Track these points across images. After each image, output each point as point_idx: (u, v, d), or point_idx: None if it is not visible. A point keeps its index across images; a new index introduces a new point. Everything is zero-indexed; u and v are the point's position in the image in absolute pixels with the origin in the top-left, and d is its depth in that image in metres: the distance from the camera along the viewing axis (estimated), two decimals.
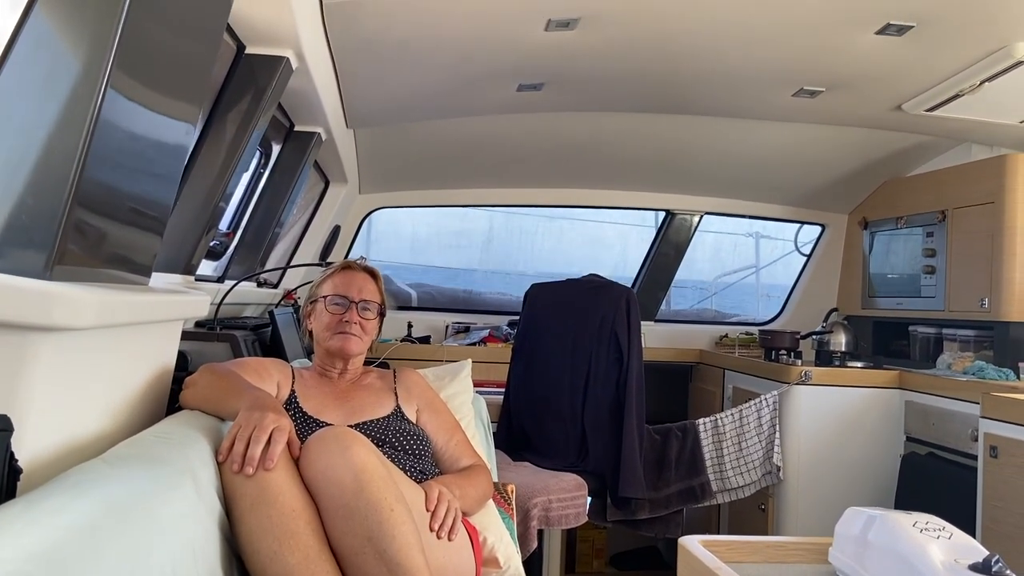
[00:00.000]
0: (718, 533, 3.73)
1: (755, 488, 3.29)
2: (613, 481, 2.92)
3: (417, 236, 4.78)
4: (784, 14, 2.32)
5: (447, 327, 4.12)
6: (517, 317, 3.45)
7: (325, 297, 1.86)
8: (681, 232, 4.26)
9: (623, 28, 2.41)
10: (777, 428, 3.27)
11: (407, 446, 1.76)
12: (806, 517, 3.22)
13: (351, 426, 1.72)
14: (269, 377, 1.75)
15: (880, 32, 2.37)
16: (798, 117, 3.23)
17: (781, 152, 3.65)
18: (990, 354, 3.20)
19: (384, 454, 1.63)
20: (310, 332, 1.92)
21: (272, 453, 1.33)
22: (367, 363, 1.98)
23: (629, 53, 2.62)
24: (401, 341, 3.88)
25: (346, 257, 4.00)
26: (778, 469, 3.25)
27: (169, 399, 1.60)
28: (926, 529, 1.27)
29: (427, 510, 1.57)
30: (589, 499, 2.82)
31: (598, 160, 3.79)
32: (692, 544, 1.43)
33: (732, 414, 3.34)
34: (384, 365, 2.22)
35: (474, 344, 3.92)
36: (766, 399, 3.31)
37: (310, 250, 3.55)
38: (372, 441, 1.63)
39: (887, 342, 3.86)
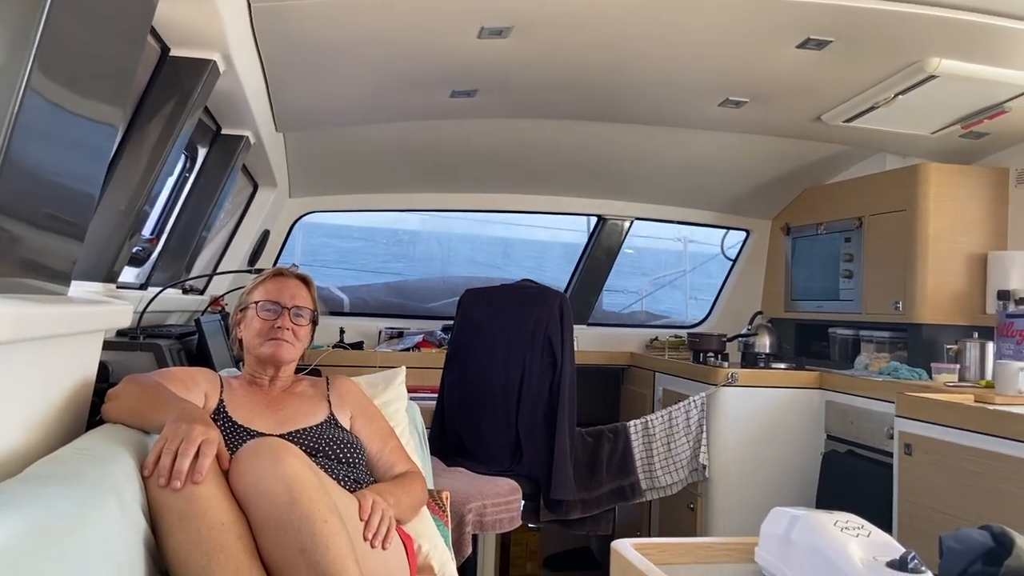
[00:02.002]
0: (649, 532, 3.80)
1: (682, 486, 3.37)
2: (546, 483, 2.94)
3: (349, 240, 4.72)
4: (710, 28, 2.39)
5: (380, 332, 4.09)
6: (451, 322, 3.44)
7: (257, 303, 1.83)
8: (612, 237, 4.32)
9: (555, 37, 2.44)
10: (704, 428, 3.35)
11: (341, 455, 1.74)
12: (733, 515, 3.31)
13: (283, 435, 1.69)
14: (196, 387, 1.71)
15: (801, 46, 2.46)
16: (724, 126, 3.32)
17: (708, 160, 3.74)
18: (904, 355, 3.34)
19: (317, 463, 1.61)
20: (240, 340, 1.88)
21: (201, 466, 1.30)
22: (298, 371, 1.95)
23: (561, 62, 2.65)
24: (333, 347, 3.83)
25: (276, 263, 3.93)
26: (704, 467, 3.33)
27: (90, 412, 1.55)
28: (846, 528, 1.32)
29: (361, 519, 1.55)
30: (523, 502, 2.84)
31: (531, 166, 3.82)
32: (624, 548, 1.46)
33: (662, 415, 3.41)
34: (316, 372, 2.19)
35: (408, 349, 3.90)
36: (694, 400, 3.39)
37: (238, 256, 3.47)
38: (305, 450, 1.62)
39: (808, 343, 3.99)
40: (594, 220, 4.38)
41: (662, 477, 3.34)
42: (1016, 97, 2.79)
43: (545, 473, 2.94)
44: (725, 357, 3.79)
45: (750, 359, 3.72)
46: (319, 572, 1.30)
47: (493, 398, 3.06)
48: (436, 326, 4.08)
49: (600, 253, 4.34)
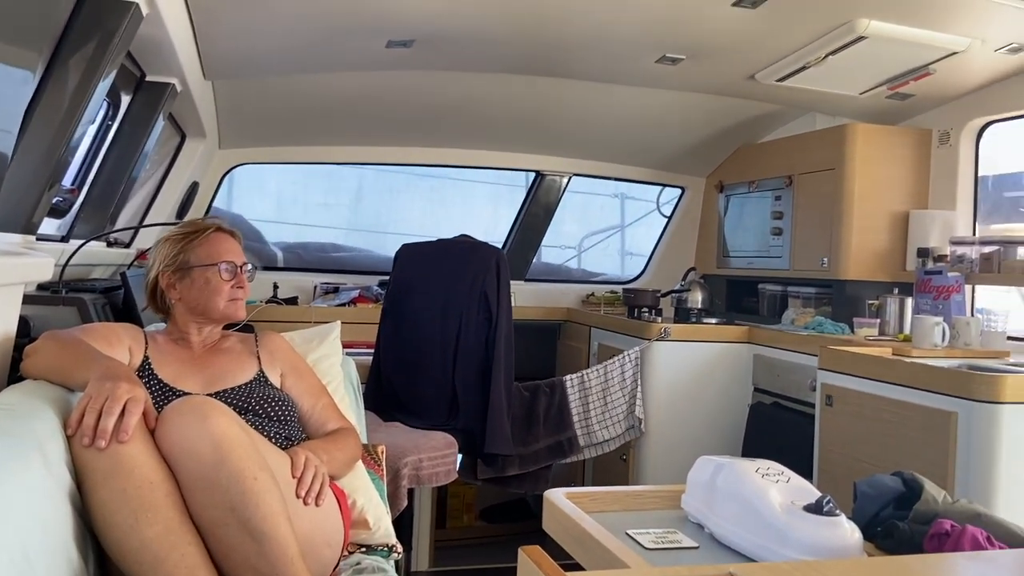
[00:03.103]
0: (583, 483, 3.89)
1: (620, 442, 3.45)
2: (482, 438, 2.98)
3: (283, 193, 4.61)
4: None
5: (315, 288, 4.03)
6: (387, 277, 3.42)
7: (216, 264, 1.78)
8: (551, 193, 4.33)
9: None
10: (639, 382, 3.43)
11: (272, 412, 1.72)
12: (664, 465, 3.41)
13: (213, 393, 1.67)
14: (120, 343, 1.66)
15: (736, 4, 2.48)
16: (661, 83, 3.34)
17: (645, 116, 3.76)
18: (829, 310, 3.46)
19: (248, 421, 1.60)
20: (170, 302, 1.81)
21: (126, 425, 1.27)
22: (228, 327, 1.92)
23: (499, 14, 2.62)
24: (266, 303, 3.77)
25: (206, 215, 3.82)
26: (640, 422, 3.41)
27: (11, 368, 1.50)
28: (767, 474, 1.37)
29: (293, 476, 1.55)
30: (459, 456, 2.87)
31: (469, 120, 3.78)
32: (557, 497, 1.49)
33: (598, 370, 3.47)
34: (248, 328, 2.16)
35: (343, 305, 3.87)
36: (629, 355, 3.46)
37: (165, 208, 3.36)
38: (235, 408, 1.60)
39: (739, 299, 4.10)
40: (532, 176, 4.38)
41: (599, 432, 3.41)
42: (941, 59, 2.87)
43: (481, 428, 2.97)
44: (659, 312, 3.86)
45: (683, 314, 3.81)
46: (250, 530, 1.31)
47: (429, 353, 3.07)
48: (372, 281, 4.05)
49: (538, 209, 4.35)
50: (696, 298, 3.83)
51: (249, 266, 1.86)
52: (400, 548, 1.90)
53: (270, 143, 3.88)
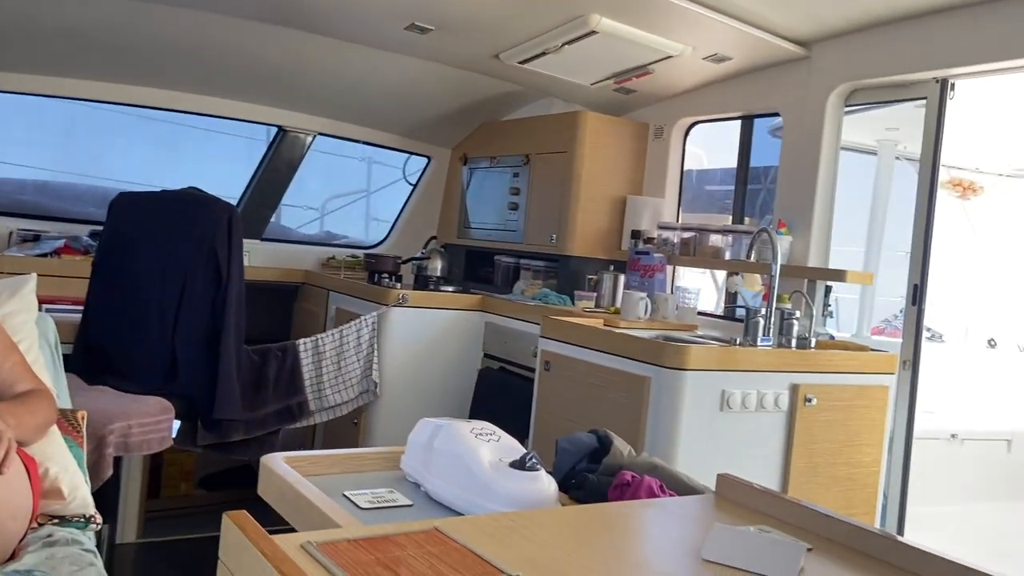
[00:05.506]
0: (312, 450, 3.84)
1: (353, 406, 3.44)
2: (206, 404, 2.83)
3: None
4: None
5: (11, 234, 3.55)
6: (100, 227, 3.11)
7: None
8: (294, 150, 4.18)
9: None
10: (376, 347, 3.45)
11: None
12: (395, 429, 3.47)
13: None
14: None
15: None
16: (410, 51, 3.35)
17: (394, 83, 3.76)
18: (555, 283, 3.72)
19: None
20: None
21: None
22: None
23: None
24: None
25: None
26: (375, 386, 3.44)
27: None
28: (480, 434, 1.46)
29: None
30: (177, 423, 2.71)
31: (205, 64, 3.52)
32: (274, 461, 1.47)
33: (333, 334, 3.43)
34: None
35: (45, 255, 3.45)
36: (366, 320, 3.46)
37: None
38: None
39: (477, 269, 4.26)
40: (274, 131, 4.19)
41: (331, 396, 3.38)
42: (659, 61, 3.18)
43: (205, 393, 2.82)
44: (400, 279, 3.91)
45: (422, 281, 3.88)
46: None
47: (147, 312, 2.85)
48: (83, 230, 3.65)
49: (280, 165, 4.18)
50: (436, 266, 3.93)
51: None
52: (99, 518, 1.76)
53: None
